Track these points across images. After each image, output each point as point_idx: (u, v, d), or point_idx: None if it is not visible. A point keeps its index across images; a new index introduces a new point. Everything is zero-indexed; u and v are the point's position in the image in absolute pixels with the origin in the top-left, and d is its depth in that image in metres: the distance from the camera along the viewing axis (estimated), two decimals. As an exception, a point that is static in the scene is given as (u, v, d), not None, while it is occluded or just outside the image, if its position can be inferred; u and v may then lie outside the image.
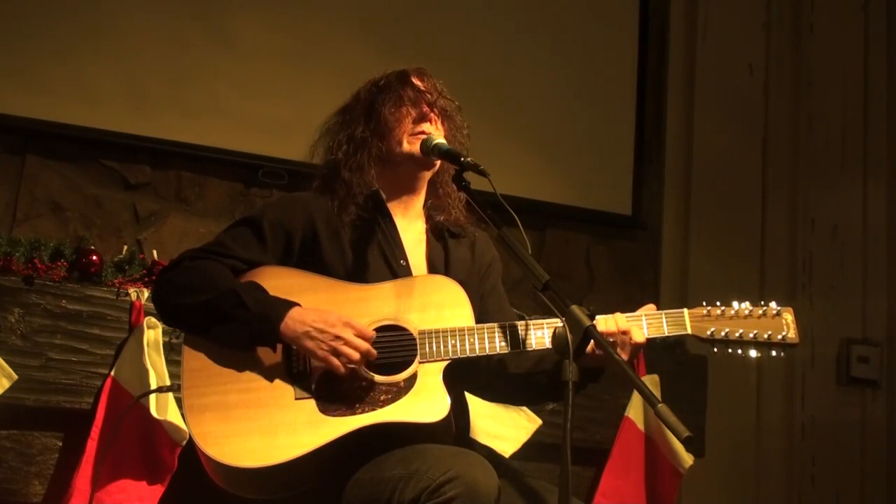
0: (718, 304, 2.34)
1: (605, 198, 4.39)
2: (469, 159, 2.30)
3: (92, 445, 2.93)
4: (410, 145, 2.43)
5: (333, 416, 2.18)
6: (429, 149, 2.36)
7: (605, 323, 2.26)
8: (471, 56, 4.00)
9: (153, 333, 3.00)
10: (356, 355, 2.19)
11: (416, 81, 2.49)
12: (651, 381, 3.64)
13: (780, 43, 4.77)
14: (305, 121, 3.75)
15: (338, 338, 2.19)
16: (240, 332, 2.22)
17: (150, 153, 3.68)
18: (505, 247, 2.24)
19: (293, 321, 2.21)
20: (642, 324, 2.29)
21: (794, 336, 2.31)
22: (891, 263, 4.74)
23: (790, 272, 4.65)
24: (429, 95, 2.47)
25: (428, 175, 2.50)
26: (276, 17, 3.86)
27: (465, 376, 2.39)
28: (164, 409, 2.92)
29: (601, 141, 4.40)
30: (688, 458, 3.68)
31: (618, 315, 2.28)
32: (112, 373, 3.01)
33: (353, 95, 2.57)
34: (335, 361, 2.19)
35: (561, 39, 4.37)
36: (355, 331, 2.21)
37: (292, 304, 2.24)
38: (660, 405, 1.90)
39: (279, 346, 2.25)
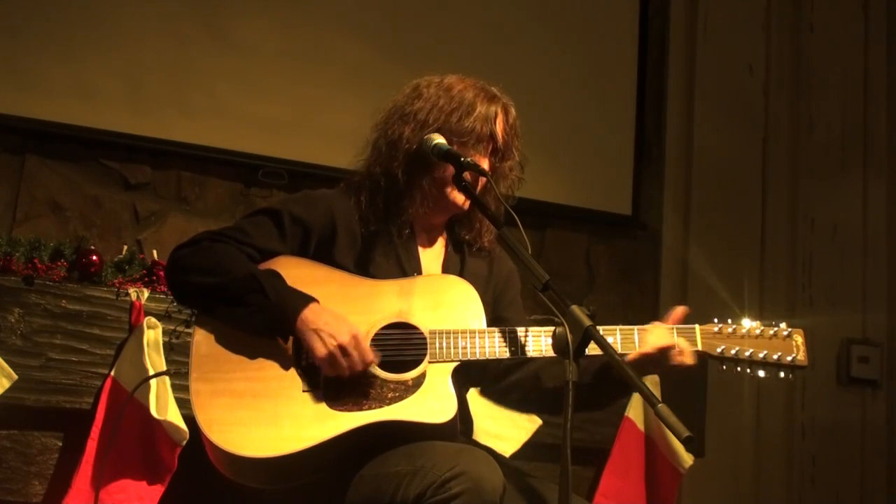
0: (729, 321, 2.33)
1: (605, 198, 4.39)
2: (469, 159, 2.29)
3: (92, 445, 2.93)
4: (457, 194, 2.39)
5: (340, 410, 2.18)
6: (429, 149, 2.34)
7: (660, 336, 2.26)
8: (470, 56, 4.00)
9: (153, 333, 3.00)
10: (346, 374, 2.18)
11: (498, 124, 2.41)
12: (651, 381, 3.64)
13: (780, 43, 4.77)
14: (305, 121, 3.82)
15: (341, 347, 2.17)
16: (254, 319, 2.21)
17: (150, 153, 3.68)
18: (505, 247, 2.24)
19: (308, 317, 2.19)
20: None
21: (803, 358, 2.30)
22: (891, 263, 4.74)
23: (790, 272, 4.65)
24: (500, 140, 2.42)
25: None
26: (276, 17, 3.86)
27: (472, 379, 2.39)
28: (163, 408, 2.92)
29: (601, 141, 4.40)
30: (688, 458, 3.68)
31: (664, 326, 2.27)
32: (112, 373, 3.01)
33: (413, 90, 2.45)
34: (329, 370, 2.18)
35: (560, 39, 4.37)
36: (358, 346, 2.19)
37: (311, 299, 2.23)
38: (660, 405, 1.90)
39: (290, 337, 2.24)
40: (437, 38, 4.08)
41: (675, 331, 2.28)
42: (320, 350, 2.18)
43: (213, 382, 2.21)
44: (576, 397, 2.34)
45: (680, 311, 2.33)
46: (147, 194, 3.68)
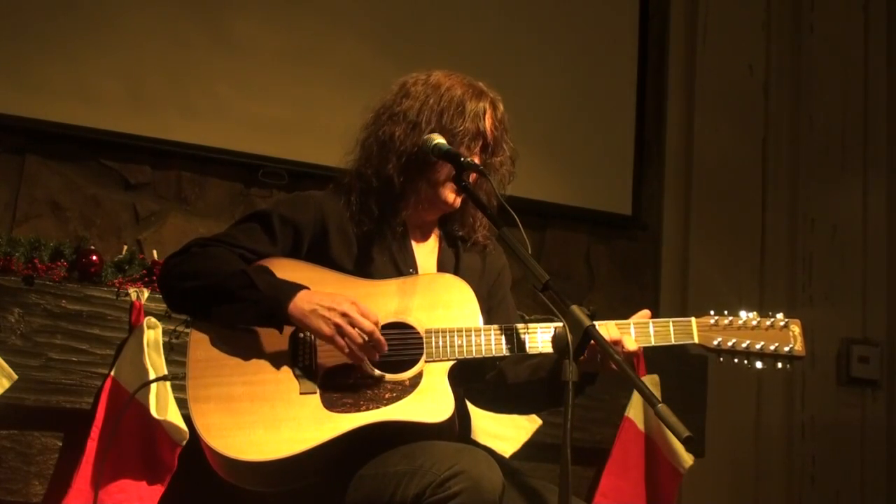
0: (726, 313, 2.32)
1: (605, 198, 4.40)
2: (468, 159, 2.29)
3: (92, 445, 2.93)
4: (448, 193, 2.39)
5: (338, 412, 2.18)
6: (429, 149, 2.34)
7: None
8: (470, 56, 4.00)
9: (153, 333, 2.99)
10: (360, 338, 2.17)
11: (487, 120, 2.41)
12: (651, 381, 3.64)
13: (780, 43, 4.78)
14: (305, 121, 3.82)
15: (344, 315, 2.17)
16: (248, 312, 2.21)
17: (150, 153, 3.68)
18: (505, 247, 2.23)
19: (301, 301, 2.19)
20: (649, 331, 2.28)
21: (800, 349, 2.30)
22: (891, 263, 4.74)
23: (790, 272, 4.65)
24: (489, 136, 2.42)
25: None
26: (276, 17, 3.86)
27: (469, 377, 2.39)
28: (163, 408, 2.92)
29: (601, 141, 4.40)
30: (688, 458, 3.68)
31: (610, 323, 2.24)
32: (112, 373, 3.01)
33: (400, 89, 2.45)
34: (341, 341, 2.17)
35: (561, 39, 4.37)
36: (360, 310, 2.19)
37: (301, 287, 2.23)
38: (660, 405, 1.90)
39: (286, 339, 2.24)
40: (437, 38, 4.08)
41: (610, 326, 2.23)
42: (325, 327, 2.17)
43: (210, 387, 2.20)
44: (538, 395, 2.38)
45: (642, 313, 2.32)
46: (147, 194, 3.68)
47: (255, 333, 2.26)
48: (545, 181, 4.20)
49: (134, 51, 3.64)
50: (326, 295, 2.21)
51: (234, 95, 3.75)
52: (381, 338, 2.20)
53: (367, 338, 2.18)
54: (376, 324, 2.20)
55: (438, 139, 2.34)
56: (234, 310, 2.22)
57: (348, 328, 2.17)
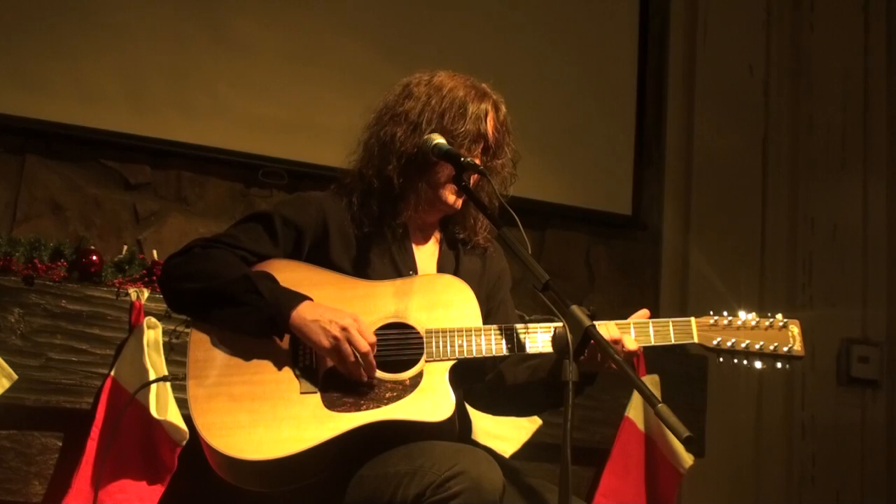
0: (725, 313, 2.33)
1: (605, 198, 4.40)
2: (468, 159, 2.29)
3: (92, 445, 2.93)
4: (448, 195, 2.39)
5: (338, 411, 2.18)
6: (429, 148, 2.34)
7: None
8: (470, 56, 4.00)
9: (153, 333, 3.00)
10: (352, 357, 2.18)
11: (489, 122, 2.41)
12: (651, 381, 3.64)
13: (780, 43, 4.78)
14: (305, 121, 3.83)
15: (343, 329, 2.17)
16: (250, 318, 2.21)
17: (150, 153, 3.68)
18: (505, 247, 2.23)
19: (304, 311, 2.20)
20: (648, 331, 2.28)
21: (799, 349, 2.31)
22: (891, 263, 4.75)
23: (790, 272, 4.65)
24: (491, 138, 2.41)
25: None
26: (276, 17, 3.86)
27: (469, 378, 2.39)
28: (163, 408, 2.92)
29: (601, 141, 4.40)
30: (688, 458, 3.68)
31: (610, 323, 2.25)
32: (112, 373, 3.01)
33: (403, 90, 2.45)
34: (335, 356, 2.18)
35: (561, 39, 4.37)
36: (359, 328, 2.19)
37: (304, 297, 2.23)
38: (660, 405, 1.90)
39: (287, 339, 2.24)
40: (437, 38, 4.08)
41: (610, 326, 2.24)
42: (323, 339, 2.18)
43: (210, 387, 2.21)
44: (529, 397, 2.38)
45: (641, 313, 2.33)
46: (147, 194, 3.68)
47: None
48: (545, 181, 4.20)
49: (134, 50, 3.64)
50: (329, 308, 2.21)
51: (234, 95, 3.75)
52: (373, 361, 2.20)
53: (359, 358, 2.19)
54: (372, 346, 2.20)
55: (438, 139, 2.33)
56: (236, 315, 2.22)
57: (344, 345, 2.18)
